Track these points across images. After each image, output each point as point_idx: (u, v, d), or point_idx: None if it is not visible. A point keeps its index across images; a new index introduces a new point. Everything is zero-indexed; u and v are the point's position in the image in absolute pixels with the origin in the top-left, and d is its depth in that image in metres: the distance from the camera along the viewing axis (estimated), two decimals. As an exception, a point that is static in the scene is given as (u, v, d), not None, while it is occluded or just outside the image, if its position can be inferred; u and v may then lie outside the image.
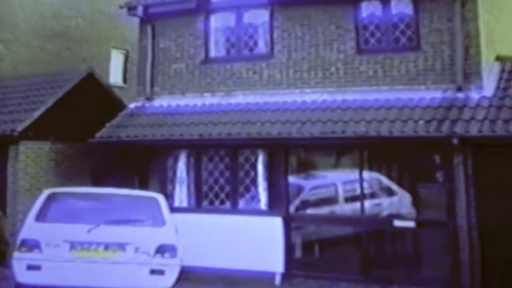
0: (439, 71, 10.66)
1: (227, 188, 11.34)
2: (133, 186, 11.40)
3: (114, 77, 17.09)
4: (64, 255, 8.14)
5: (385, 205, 10.57)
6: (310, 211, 11.10)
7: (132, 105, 12.77)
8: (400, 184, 10.45)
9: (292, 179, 11.03)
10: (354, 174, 10.53)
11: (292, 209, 10.98)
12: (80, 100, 13.21)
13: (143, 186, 11.61)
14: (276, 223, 10.61)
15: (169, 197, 11.27)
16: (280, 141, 10.66)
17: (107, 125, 12.05)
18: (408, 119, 10.11)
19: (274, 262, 10.47)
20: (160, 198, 9.15)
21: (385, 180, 10.60)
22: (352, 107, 10.79)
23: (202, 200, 11.47)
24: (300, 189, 11.12)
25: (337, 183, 10.94)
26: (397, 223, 10.09)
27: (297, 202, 11.06)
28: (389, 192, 10.60)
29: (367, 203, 10.43)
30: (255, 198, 11.12)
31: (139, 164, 11.93)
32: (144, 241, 8.33)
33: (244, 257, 10.44)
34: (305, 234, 10.96)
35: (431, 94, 10.53)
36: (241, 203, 11.18)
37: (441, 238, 9.81)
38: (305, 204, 11.11)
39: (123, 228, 8.45)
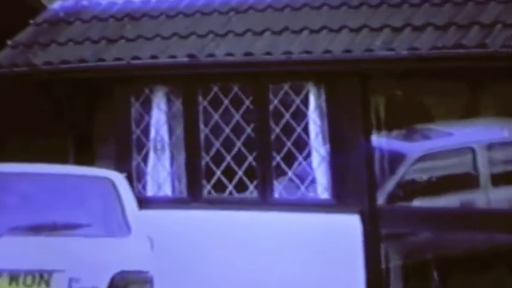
0: None
1: (250, 159, 10.23)
2: (65, 157, 11.12)
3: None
4: None
5: None
6: (418, 203, 10.38)
7: (56, 5, 11.85)
8: None
9: (379, 139, 10.17)
10: (508, 130, 10.32)
11: (381, 198, 10.15)
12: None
13: (84, 157, 11.16)
14: (350, 226, 9.63)
15: (136, 178, 10.61)
16: (349, 65, 9.74)
17: (9, 43, 11.32)
18: None
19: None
20: (119, 181, 8.55)
21: None
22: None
23: (201, 183, 10.49)
24: (397, 159, 10.47)
25: (476, 147, 10.40)
26: None
27: (391, 185, 10.42)
28: None
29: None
30: (306, 177, 10.09)
31: (75, 115, 11.43)
32: (88, 266, 7.70)
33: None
34: (410, 248, 10.25)
35: None
36: (279, 188, 10.19)
37: None
38: (408, 190, 10.45)
39: (47, 241, 7.80)
